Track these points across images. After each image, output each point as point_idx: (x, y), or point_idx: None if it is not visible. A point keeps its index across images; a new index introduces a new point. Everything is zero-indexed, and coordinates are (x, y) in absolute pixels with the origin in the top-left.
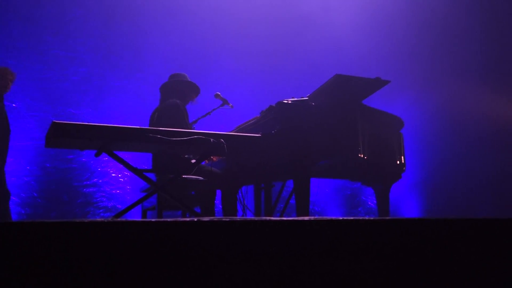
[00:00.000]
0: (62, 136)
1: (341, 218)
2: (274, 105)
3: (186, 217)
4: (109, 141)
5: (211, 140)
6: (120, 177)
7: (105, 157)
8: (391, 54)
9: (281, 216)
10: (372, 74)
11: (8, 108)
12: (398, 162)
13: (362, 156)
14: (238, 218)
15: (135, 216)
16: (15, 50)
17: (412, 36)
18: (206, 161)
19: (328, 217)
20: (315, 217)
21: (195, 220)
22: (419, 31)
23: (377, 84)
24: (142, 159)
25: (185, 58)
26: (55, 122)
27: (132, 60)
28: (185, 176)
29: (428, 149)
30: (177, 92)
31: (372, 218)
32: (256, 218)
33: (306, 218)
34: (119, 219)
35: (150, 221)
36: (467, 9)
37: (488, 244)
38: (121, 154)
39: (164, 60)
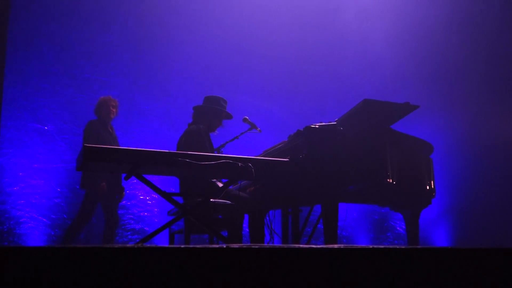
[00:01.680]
0: (93, 159)
1: (371, 247)
2: (302, 129)
3: (213, 241)
4: (138, 164)
5: (239, 164)
6: (148, 200)
7: (133, 180)
8: (419, 77)
9: (308, 241)
10: (400, 97)
11: (40, 131)
12: (427, 188)
13: (390, 181)
14: (266, 245)
15: (162, 239)
16: (49, 74)
17: (441, 57)
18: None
19: (358, 245)
20: (344, 244)
21: (224, 246)
22: (447, 51)
23: (406, 109)
24: (169, 181)
25: (213, 82)
26: (86, 145)
27: (161, 83)
28: (213, 200)
29: (459, 174)
30: (204, 117)
31: (403, 247)
32: (285, 245)
33: (335, 246)
34: (147, 245)
35: (179, 247)
36: (497, 29)
37: None
38: (149, 177)
39: (193, 84)
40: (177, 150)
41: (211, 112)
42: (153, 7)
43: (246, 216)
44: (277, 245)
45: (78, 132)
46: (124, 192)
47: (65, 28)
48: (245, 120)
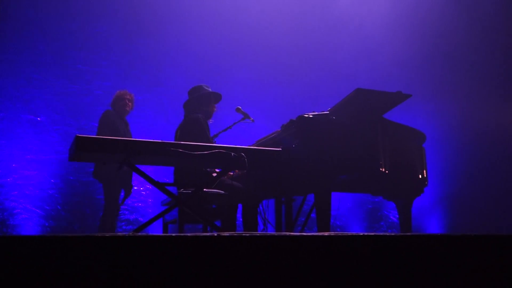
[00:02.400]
0: (85, 150)
1: (361, 234)
2: (294, 119)
3: (207, 231)
4: (130, 155)
5: (232, 154)
6: (142, 190)
7: None
8: (412, 66)
9: (301, 230)
10: (393, 86)
11: (32, 122)
12: (420, 176)
13: (383, 170)
14: (258, 233)
15: (156, 229)
16: (41, 65)
17: (434, 47)
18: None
19: (349, 233)
20: (336, 232)
21: (215, 235)
22: (440, 41)
23: (398, 98)
24: (164, 172)
25: (206, 72)
26: (78, 136)
27: (153, 74)
28: (206, 190)
29: (451, 163)
30: (199, 107)
31: (394, 234)
32: (276, 233)
33: (326, 233)
34: (138, 234)
35: (170, 236)
36: (490, 20)
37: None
38: (143, 167)
39: (185, 74)
40: (175, 140)
41: (200, 100)
42: None
43: (240, 206)
44: (267, 233)
45: (71, 123)
46: (131, 190)
47: (56, 19)
48: (238, 110)
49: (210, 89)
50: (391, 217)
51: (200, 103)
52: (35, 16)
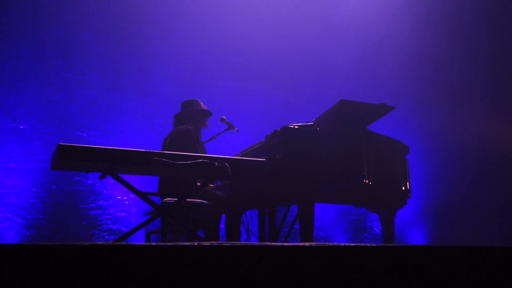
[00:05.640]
0: (67, 158)
1: (343, 244)
2: (279, 129)
3: (190, 240)
4: (114, 164)
5: (216, 164)
6: (125, 200)
7: (110, 180)
8: (396, 80)
9: (285, 241)
10: (378, 100)
11: (15, 130)
12: (403, 188)
13: (367, 181)
14: (239, 243)
15: (139, 239)
16: (25, 73)
17: (417, 61)
18: (211, 185)
19: (331, 243)
20: (318, 242)
21: (196, 244)
22: (424, 55)
23: (382, 110)
24: (150, 182)
25: (192, 82)
26: (60, 144)
27: (139, 83)
28: (190, 200)
29: (434, 175)
30: (192, 121)
31: (376, 245)
32: (257, 243)
33: (307, 243)
34: (117, 243)
35: (150, 245)
36: (475, 33)
37: (493, 272)
38: (129, 176)
39: (171, 84)
40: (162, 150)
41: (197, 115)
42: (132, 7)
43: (224, 216)
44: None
45: (55, 132)
46: None
47: (42, 26)
48: (222, 120)
49: (202, 105)
50: (375, 228)
51: (194, 117)
52: (20, 24)
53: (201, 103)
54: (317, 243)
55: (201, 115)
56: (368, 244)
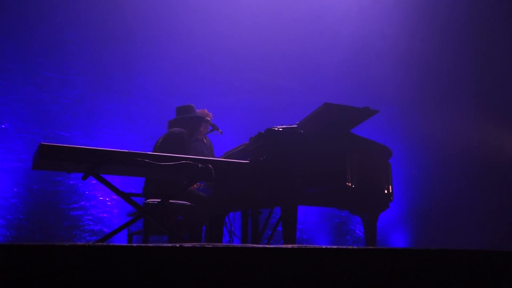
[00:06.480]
0: (49, 158)
1: (325, 247)
2: (263, 132)
3: (173, 242)
4: (96, 164)
5: (199, 165)
6: (107, 201)
7: (93, 180)
8: (381, 84)
9: (268, 243)
10: (362, 103)
11: None
12: (386, 192)
13: (350, 184)
14: (221, 244)
15: (121, 240)
16: (7, 71)
17: (402, 64)
18: (194, 186)
19: (313, 245)
20: (300, 245)
21: (177, 245)
22: (408, 58)
23: (365, 113)
24: (134, 184)
25: (177, 83)
26: (42, 144)
27: (124, 83)
28: (173, 201)
29: (416, 179)
30: (184, 126)
31: (358, 247)
32: (240, 245)
33: (289, 245)
34: (99, 244)
35: (131, 246)
36: (459, 36)
37: (474, 275)
38: (112, 177)
39: (156, 85)
40: (154, 151)
41: (188, 121)
42: (116, 6)
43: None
44: (230, 244)
45: (37, 131)
46: None
47: (25, 25)
48: (206, 121)
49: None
50: (357, 231)
51: (187, 123)
52: (4, 22)
53: (195, 109)
54: (300, 245)
55: (196, 122)
56: (350, 247)
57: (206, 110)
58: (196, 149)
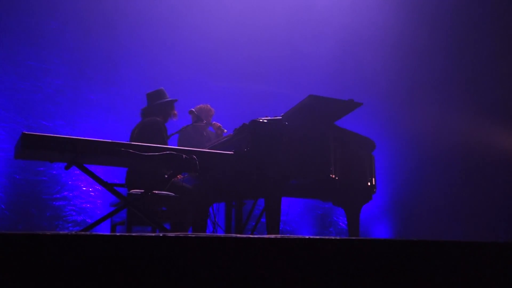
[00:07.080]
0: (31, 147)
1: (308, 237)
2: (247, 123)
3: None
4: (79, 154)
5: (183, 156)
6: (91, 191)
7: (76, 170)
8: (367, 75)
9: (251, 234)
10: (349, 95)
11: None
12: (369, 184)
13: (333, 176)
14: (205, 234)
15: (104, 230)
16: None
17: (390, 56)
18: (178, 177)
19: (296, 236)
20: (283, 235)
21: (161, 235)
22: (398, 51)
23: (350, 105)
24: (118, 174)
25: (161, 74)
26: (25, 133)
27: (107, 74)
28: (157, 192)
29: (400, 171)
30: (160, 112)
31: (340, 238)
32: (223, 235)
33: (272, 236)
34: (81, 233)
35: (114, 235)
36: (449, 32)
37: (455, 266)
38: (96, 167)
39: (140, 75)
40: (130, 141)
41: (163, 107)
42: None
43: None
44: (214, 234)
45: (19, 121)
46: None
47: (7, 13)
48: (191, 112)
49: (167, 95)
50: (340, 223)
51: (161, 109)
52: None
53: (166, 94)
54: (282, 235)
55: (169, 106)
56: (333, 237)
57: (208, 106)
58: (209, 136)
